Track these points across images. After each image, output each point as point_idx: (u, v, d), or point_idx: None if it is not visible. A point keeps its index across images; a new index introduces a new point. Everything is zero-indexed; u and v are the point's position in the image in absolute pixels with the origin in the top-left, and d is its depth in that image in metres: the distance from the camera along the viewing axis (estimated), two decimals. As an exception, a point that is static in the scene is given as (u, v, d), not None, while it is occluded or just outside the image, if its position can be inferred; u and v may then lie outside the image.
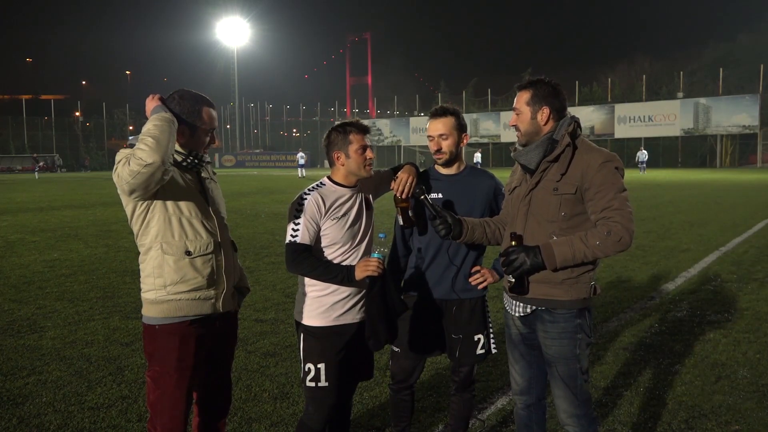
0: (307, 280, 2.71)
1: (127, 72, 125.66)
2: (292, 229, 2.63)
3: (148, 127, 2.22)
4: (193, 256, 2.39)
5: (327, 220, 2.64)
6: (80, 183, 34.15)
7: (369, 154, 2.70)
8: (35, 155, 57.52)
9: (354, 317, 2.71)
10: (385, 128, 66.22)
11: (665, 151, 52.43)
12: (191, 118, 2.43)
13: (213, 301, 2.46)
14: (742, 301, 6.09)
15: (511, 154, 2.60)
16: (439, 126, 2.86)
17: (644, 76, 55.34)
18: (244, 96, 79.58)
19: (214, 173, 2.71)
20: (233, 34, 73.17)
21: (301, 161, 39.97)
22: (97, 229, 12.49)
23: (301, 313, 2.73)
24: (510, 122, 2.61)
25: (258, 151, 74.02)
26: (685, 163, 51.41)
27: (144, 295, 2.44)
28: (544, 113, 2.46)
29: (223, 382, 2.69)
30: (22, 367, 4.39)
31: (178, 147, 2.42)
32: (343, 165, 2.70)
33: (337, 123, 2.76)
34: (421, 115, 63.97)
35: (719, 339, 4.90)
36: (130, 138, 2.40)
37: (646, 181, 28.84)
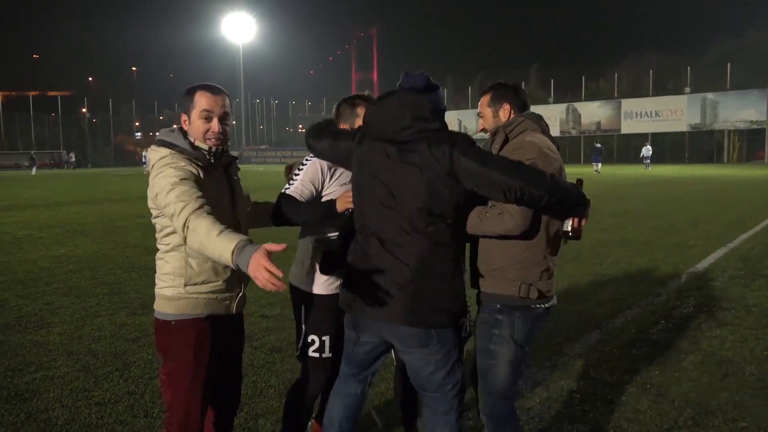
0: (311, 252, 2.72)
1: (134, 68, 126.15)
2: (288, 183, 2.68)
3: (215, 243, 2.04)
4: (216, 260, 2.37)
5: (334, 184, 2.68)
6: (86, 179, 34.27)
7: None
8: None
9: None
10: (390, 124, 65.92)
11: (672, 147, 52.14)
12: (186, 105, 2.40)
13: (228, 302, 2.47)
14: (749, 297, 6.06)
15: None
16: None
17: (651, 71, 55.04)
18: (250, 92, 79.62)
19: (239, 168, 2.64)
20: (239, 30, 73.02)
21: None
22: (103, 225, 12.54)
23: (305, 281, 2.75)
24: (478, 129, 2.76)
25: (264, 146, 74.05)
26: (692, 158, 51.14)
27: (160, 291, 2.40)
28: (505, 110, 2.59)
29: (234, 379, 2.70)
30: (29, 363, 4.42)
31: (194, 140, 2.38)
32: None
33: (346, 96, 2.76)
34: (426, 111, 63.59)
35: (726, 336, 4.88)
36: (158, 134, 2.40)
37: (652, 176, 28.71)
